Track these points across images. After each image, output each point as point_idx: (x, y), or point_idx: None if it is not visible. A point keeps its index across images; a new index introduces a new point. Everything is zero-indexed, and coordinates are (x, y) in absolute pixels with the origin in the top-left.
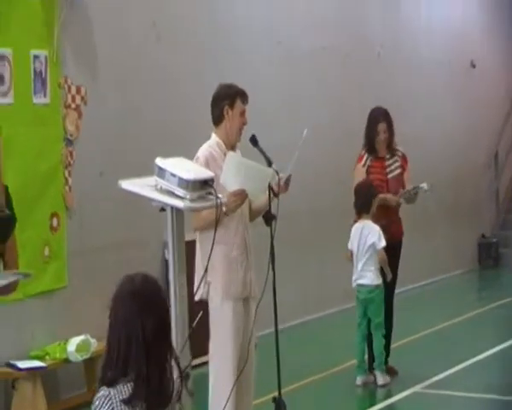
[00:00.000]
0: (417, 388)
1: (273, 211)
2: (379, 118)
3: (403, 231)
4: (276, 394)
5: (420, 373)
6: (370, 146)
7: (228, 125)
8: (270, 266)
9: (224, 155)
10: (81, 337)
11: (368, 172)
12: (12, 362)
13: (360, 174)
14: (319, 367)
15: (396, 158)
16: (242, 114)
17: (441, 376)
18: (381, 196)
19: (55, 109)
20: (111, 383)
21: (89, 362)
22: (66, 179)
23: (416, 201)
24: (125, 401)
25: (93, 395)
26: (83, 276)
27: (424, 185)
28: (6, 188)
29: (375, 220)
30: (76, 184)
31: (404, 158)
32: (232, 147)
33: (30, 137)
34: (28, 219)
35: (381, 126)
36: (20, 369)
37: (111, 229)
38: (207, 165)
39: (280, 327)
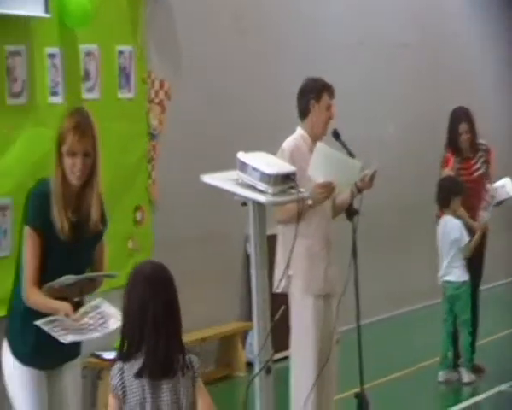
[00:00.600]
0: (503, 387)
1: (356, 206)
2: (461, 118)
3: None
4: (358, 390)
5: (506, 371)
6: (455, 147)
7: (314, 118)
8: (352, 261)
9: (310, 149)
10: None
11: (457, 176)
12: (98, 353)
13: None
14: (402, 364)
15: (480, 153)
16: (328, 108)
17: None
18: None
19: (139, 104)
20: (125, 359)
21: None
22: (150, 173)
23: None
24: (135, 375)
25: None
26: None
27: (509, 193)
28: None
29: (466, 210)
30: (159, 177)
31: (488, 151)
32: (317, 141)
33: (115, 131)
34: (113, 213)
35: (463, 127)
36: (106, 359)
37: (193, 223)
38: (292, 157)
39: (362, 323)
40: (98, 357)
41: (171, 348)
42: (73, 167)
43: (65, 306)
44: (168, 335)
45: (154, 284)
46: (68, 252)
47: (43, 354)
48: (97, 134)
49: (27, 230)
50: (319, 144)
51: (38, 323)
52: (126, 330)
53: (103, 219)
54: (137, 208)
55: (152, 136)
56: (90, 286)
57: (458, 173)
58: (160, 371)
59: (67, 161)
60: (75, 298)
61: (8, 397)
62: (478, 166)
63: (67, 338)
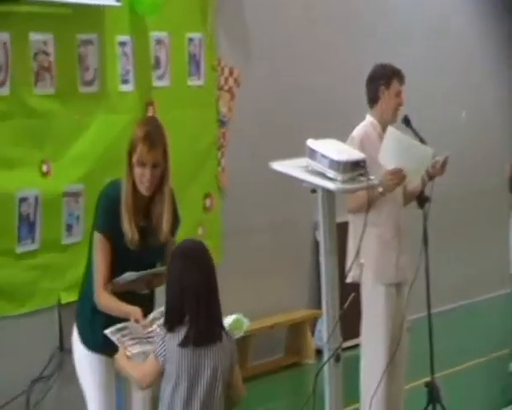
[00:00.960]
0: None
1: (427, 193)
2: None
3: None
4: (428, 379)
5: None
6: None
7: (383, 105)
8: (423, 249)
9: (379, 136)
10: (234, 316)
11: None
12: None
13: None
14: (473, 353)
15: None
16: (398, 94)
17: None
18: None
19: (209, 91)
20: (169, 329)
21: (241, 341)
22: (219, 160)
23: None
24: (179, 345)
25: (245, 374)
26: (235, 256)
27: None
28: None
29: None
30: (228, 165)
31: None
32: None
33: (185, 118)
34: (182, 200)
35: None
36: None
37: (262, 209)
38: (362, 145)
39: (433, 311)
40: None
41: (213, 318)
42: (142, 177)
43: (135, 311)
44: (208, 306)
45: (192, 257)
46: (138, 256)
47: (112, 342)
48: (168, 143)
49: (97, 235)
50: (390, 129)
51: (107, 332)
52: (168, 302)
53: (176, 220)
54: (207, 195)
55: (221, 123)
56: (157, 280)
57: None
58: (202, 340)
59: (137, 170)
60: (143, 291)
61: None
62: None
63: (134, 350)
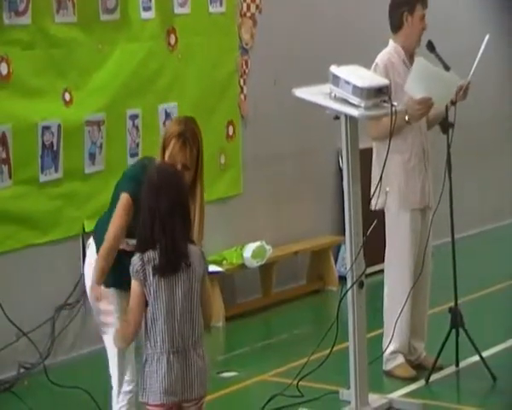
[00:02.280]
0: None
1: (450, 119)
2: None
3: None
4: (452, 304)
5: None
6: None
7: (407, 31)
8: (447, 175)
9: (403, 62)
10: (257, 244)
11: None
12: None
13: None
14: (496, 278)
15: None
16: (422, 18)
17: None
18: None
19: (230, 18)
20: (142, 250)
21: (264, 268)
22: (242, 88)
23: None
24: (154, 268)
25: (268, 301)
26: (258, 184)
27: None
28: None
29: None
30: (251, 92)
31: None
32: (411, 53)
33: (206, 46)
34: (205, 127)
35: None
36: None
37: (285, 137)
38: (386, 72)
39: (457, 237)
40: None
41: (178, 245)
42: None
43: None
44: (173, 232)
45: (156, 186)
46: None
47: (126, 279)
48: (201, 147)
49: (126, 196)
50: (418, 59)
51: None
52: (139, 229)
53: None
54: (229, 123)
55: (243, 50)
56: None
57: None
58: (170, 269)
59: None
60: None
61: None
62: None
63: None
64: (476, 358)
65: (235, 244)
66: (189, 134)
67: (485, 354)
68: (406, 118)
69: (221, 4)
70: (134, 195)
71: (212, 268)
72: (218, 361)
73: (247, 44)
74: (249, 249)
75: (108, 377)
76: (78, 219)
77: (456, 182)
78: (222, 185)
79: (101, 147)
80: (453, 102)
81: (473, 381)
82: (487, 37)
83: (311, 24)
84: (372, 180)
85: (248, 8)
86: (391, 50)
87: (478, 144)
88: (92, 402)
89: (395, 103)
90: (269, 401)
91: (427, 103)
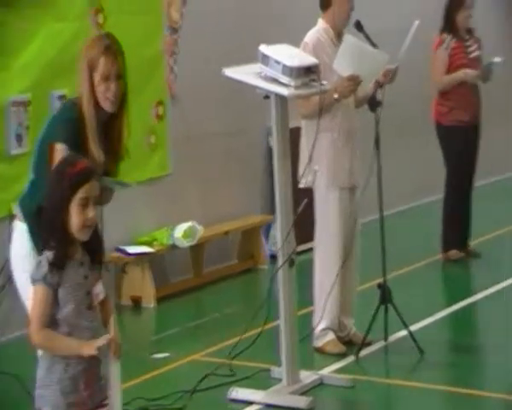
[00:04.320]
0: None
1: (379, 97)
2: None
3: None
4: (380, 280)
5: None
6: (451, 28)
7: (335, 9)
8: (375, 152)
9: (332, 41)
10: (187, 224)
11: (450, 56)
12: (121, 247)
13: (442, 59)
14: (424, 253)
15: (475, 38)
16: None
17: None
18: (461, 72)
19: None
20: (41, 251)
21: (195, 248)
22: (172, 68)
23: (491, 78)
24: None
25: (199, 281)
26: (188, 164)
27: (497, 59)
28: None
29: (460, 98)
30: (181, 72)
31: (479, 40)
32: (339, 33)
33: (134, 25)
34: (133, 107)
35: (469, 3)
36: (129, 254)
37: (215, 116)
38: (315, 51)
39: (385, 214)
40: (122, 251)
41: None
42: (107, 92)
43: None
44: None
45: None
46: None
47: None
48: (125, 59)
49: (59, 146)
50: (347, 36)
51: None
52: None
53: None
54: (158, 103)
55: (173, 30)
56: (106, 196)
57: (451, 53)
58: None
59: (101, 87)
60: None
61: None
62: (471, 49)
63: None
64: (404, 332)
65: (165, 225)
66: (115, 45)
67: (413, 328)
68: (335, 95)
69: None
70: (70, 146)
71: (142, 249)
72: (149, 342)
73: (176, 23)
74: (180, 230)
75: (36, 362)
76: (5, 202)
77: (385, 159)
78: (151, 166)
79: (27, 128)
80: (380, 85)
81: (401, 355)
82: (416, 23)
83: (242, 2)
84: (300, 159)
85: None
86: (320, 29)
87: (407, 121)
88: (21, 388)
89: (324, 82)
90: (201, 380)
91: (355, 80)
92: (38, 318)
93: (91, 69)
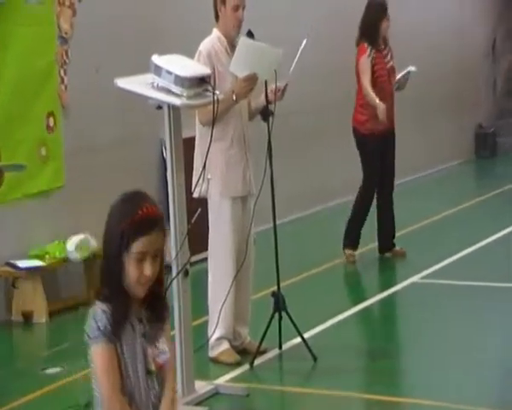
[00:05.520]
0: (416, 278)
1: (270, 108)
2: (385, 8)
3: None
4: (274, 288)
5: (420, 263)
6: (373, 37)
7: (223, 20)
8: (268, 161)
9: (226, 50)
10: (80, 236)
11: (372, 64)
12: (12, 261)
13: (367, 67)
14: (318, 260)
15: (388, 47)
16: (236, 9)
17: (442, 264)
18: (378, 102)
19: (48, 8)
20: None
21: (88, 261)
22: (62, 78)
23: (405, 86)
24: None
25: (92, 294)
26: (80, 175)
27: (412, 68)
28: None
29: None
30: (72, 83)
31: (391, 50)
32: (232, 42)
33: (23, 36)
34: (24, 119)
35: (386, 16)
36: (20, 268)
37: (108, 127)
38: (210, 59)
39: (279, 222)
40: (12, 266)
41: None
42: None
43: None
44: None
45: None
46: None
47: None
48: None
49: None
50: (242, 38)
51: None
52: None
53: None
54: (49, 114)
55: (63, 40)
56: None
57: (374, 62)
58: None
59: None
60: None
61: None
62: (388, 58)
63: None
64: (298, 340)
65: (58, 238)
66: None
67: (306, 335)
68: (234, 97)
69: None
70: None
71: (33, 263)
72: (41, 358)
73: (66, 34)
74: (72, 243)
75: None
76: None
77: (277, 168)
78: (43, 178)
79: None
80: (270, 102)
81: (295, 362)
82: (305, 41)
83: (133, 12)
84: (194, 168)
85: None
86: (214, 38)
87: (298, 131)
88: None
89: (217, 92)
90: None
91: (252, 79)
92: (111, 383)
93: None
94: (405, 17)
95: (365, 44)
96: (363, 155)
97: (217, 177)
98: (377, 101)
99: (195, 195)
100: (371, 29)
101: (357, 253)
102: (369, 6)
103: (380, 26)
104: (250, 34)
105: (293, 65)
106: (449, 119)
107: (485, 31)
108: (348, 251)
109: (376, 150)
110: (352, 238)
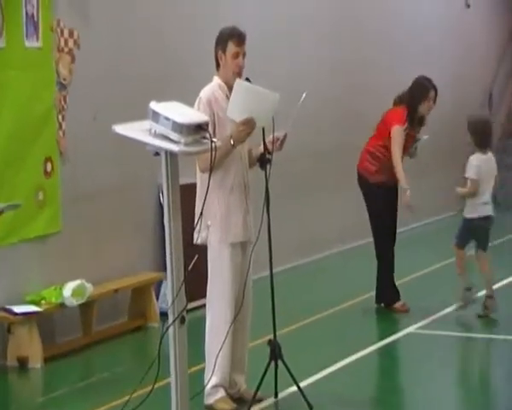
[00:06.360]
0: (412, 328)
1: (268, 156)
2: (427, 89)
3: None
4: (271, 336)
5: (417, 313)
6: (411, 116)
7: (224, 68)
8: (265, 208)
9: (226, 97)
10: (77, 282)
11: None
12: (8, 307)
13: (401, 140)
14: (315, 309)
15: (419, 129)
16: (236, 56)
17: (439, 315)
18: (404, 180)
19: (47, 53)
20: None
21: (84, 307)
22: (60, 124)
23: (417, 155)
24: None
25: (89, 340)
26: (77, 221)
27: (425, 137)
28: None
29: (386, 162)
30: (70, 128)
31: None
32: (232, 89)
33: (22, 81)
34: (21, 163)
35: (433, 95)
36: (16, 313)
37: (105, 173)
38: (210, 106)
39: (276, 270)
40: (8, 311)
41: None
42: None
43: None
44: None
45: None
46: None
47: None
48: None
49: None
50: (238, 82)
51: None
52: None
53: None
54: (47, 160)
55: (61, 86)
56: None
57: (406, 138)
58: None
59: None
60: None
61: None
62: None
63: None
64: (294, 388)
65: (54, 283)
66: None
67: (302, 384)
68: (232, 142)
69: (37, 39)
70: None
71: (30, 308)
72: (37, 403)
73: (64, 80)
74: (69, 288)
75: None
76: None
77: (275, 216)
78: (40, 223)
79: None
80: (269, 152)
81: None
82: (304, 94)
83: (130, 60)
84: (196, 213)
85: (66, 43)
86: (214, 85)
87: (298, 178)
88: None
89: (215, 139)
90: None
91: (249, 123)
92: None
93: None
94: (403, 72)
95: (405, 113)
96: (370, 204)
97: (216, 223)
98: (405, 181)
99: (196, 241)
100: (411, 108)
101: (355, 301)
102: (413, 83)
103: (418, 108)
104: (248, 81)
105: (293, 117)
106: (446, 170)
107: (482, 82)
108: (398, 304)
109: (385, 201)
110: (391, 294)
